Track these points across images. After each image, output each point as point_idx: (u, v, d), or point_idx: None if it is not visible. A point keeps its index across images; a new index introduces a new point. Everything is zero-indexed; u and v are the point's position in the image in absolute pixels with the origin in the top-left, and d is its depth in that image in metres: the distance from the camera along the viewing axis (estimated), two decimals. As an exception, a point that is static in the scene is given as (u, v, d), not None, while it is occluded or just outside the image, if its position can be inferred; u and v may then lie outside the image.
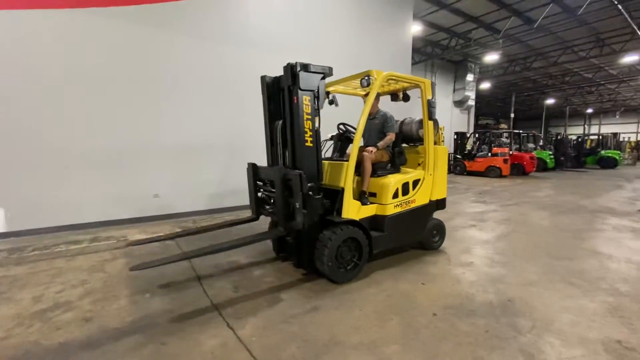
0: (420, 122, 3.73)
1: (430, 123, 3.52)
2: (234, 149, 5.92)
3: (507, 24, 13.05)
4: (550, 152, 15.39)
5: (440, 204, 3.73)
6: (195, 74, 5.45)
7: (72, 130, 4.53)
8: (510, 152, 12.67)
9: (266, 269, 3.19)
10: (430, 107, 3.45)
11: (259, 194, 3.34)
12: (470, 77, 18.62)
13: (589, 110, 34.63)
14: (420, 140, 3.78)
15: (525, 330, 2.13)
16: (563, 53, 16.68)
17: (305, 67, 2.67)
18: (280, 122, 2.96)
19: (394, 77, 3.21)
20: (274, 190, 2.94)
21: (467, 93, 18.77)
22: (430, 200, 3.60)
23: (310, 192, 2.81)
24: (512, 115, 23.20)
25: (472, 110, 20.48)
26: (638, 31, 12.67)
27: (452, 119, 18.79)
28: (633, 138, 30.30)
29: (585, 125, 35.04)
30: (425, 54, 16.19)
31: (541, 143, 17.32)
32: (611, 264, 3.36)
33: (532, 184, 10.36)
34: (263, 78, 3.10)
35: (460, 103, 19.31)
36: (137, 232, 4.55)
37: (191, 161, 5.53)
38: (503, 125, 30.10)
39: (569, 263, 3.39)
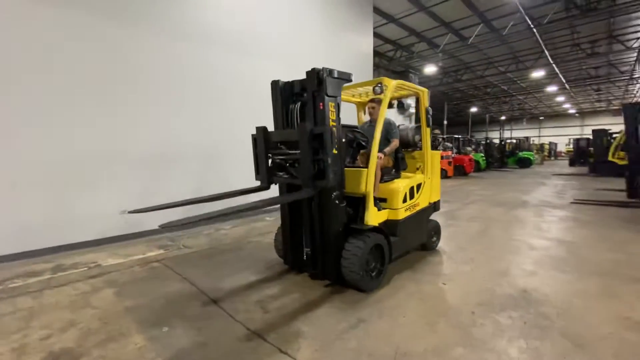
0: (416, 128, 3.91)
1: (428, 129, 3.71)
2: (209, 157, 5.51)
3: (445, 40, 14.43)
4: (482, 155, 17.30)
5: (436, 205, 3.94)
6: (165, 76, 4.96)
7: (14, 139, 3.75)
8: (453, 155, 13.98)
9: (284, 284, 3.00)
10: (428, 114, 3.64)
11: (271, 161, 3.12)
12: (411, 86, 20.03)
13: (503, 117, 39.91)
14: (415, 145, 3.95)
15: (554, 317, 2.34)
16: (487, 67, 18.98)
17: (331, 73, 2.61)
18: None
19: (401, 85, 3.32)
20: (292, 152, 2.80)
21: (409, 101, 20.16)
22: (429, 203, 3.77)
23: (337, 201, 2.74)
24: (445, 122, 25.65)
25: (413, 117, 22.08)
26: (545, 51, 15.00)
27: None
28: (536, 141, 35.57)
29: (501, 131, 40.31)
30: (373, 63, 17.04)
31: (473, 147, 19.43)
32: (578, 250, 3.89)
33: (475, 184, 11.52)
34: (275, 83, 2.95)
35: (402, 110, 20.67)
36: (106, 255, 3.94)
37: (162, 172, 4.99)
38: (437, 131, 32.95)
39: (548, 252, 3.84)
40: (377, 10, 11.91)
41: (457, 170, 13.99)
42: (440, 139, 14.93)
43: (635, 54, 17.78)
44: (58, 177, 4.06)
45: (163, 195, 4.97)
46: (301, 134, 2.60)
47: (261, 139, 2.99)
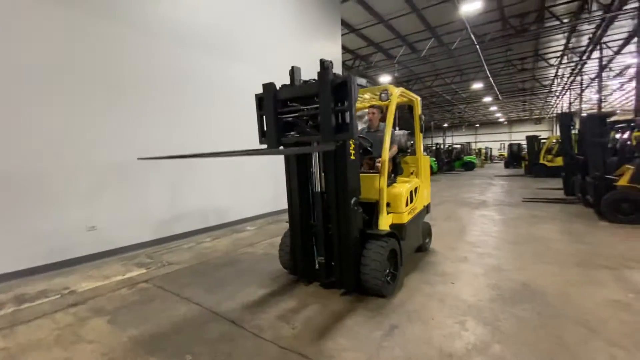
0: (409, 134, 4.06)
1: (420, 135, 3.88)
2: (183, 166, 5.13)
3: (400, 51, 15.28)
4: (434, 159, 18.54)
5: (428, 208, 4.12)
6: (137, 74, 4.53)
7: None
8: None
9: (299, 296, 2.89)
10: (421, 121, 3.81)
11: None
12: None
13: (446, 125, 43.31)
14: (407, 150, 4.10)
15: (560, 306, 2.57)
16: (435, 79, 20.49)
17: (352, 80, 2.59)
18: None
19: (403, 93, 3.43)
20: (307, 107, 2.68)
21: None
22: (423, 206, 3.93)
23: (355, 207, 2.73)
24: (397, 128, 27.05)
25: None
26: (485, 65, 16.64)
27: (355, 132, 20.63)
28: (474, 146, 39.19)
29: (444, 137, 43.65)
30: (332, 71, 17.41)
31: (426, 152, 20.81)
32: (547, 243, 4.34)
33: (434, 186, 12.19)
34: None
35: (359, 118, 21.35)
36: (78, 278, 3.44)
37: (133, 180, 4.52)
38: (389, 137, 34.64)
39: (525, 247, 4.22)
40: (340, 21, 12.24)
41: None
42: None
43: (554, 71, 20.61)
44: (29, 189, 3.47)
45: (136, 209, 4.53)
46: (323, 83, 2.46)
47: (270, 97, 2.78)
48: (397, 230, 3.28)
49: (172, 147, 4.85)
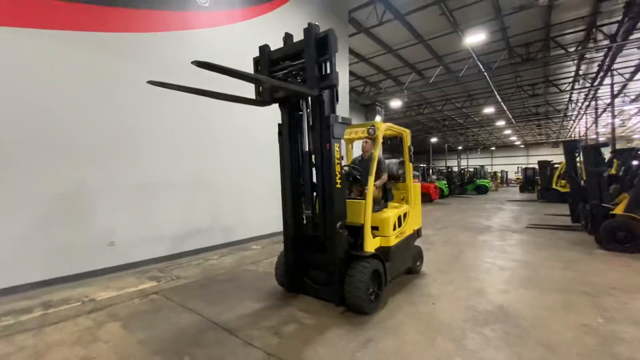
0: (399, 163, 4.39)
1: (410, 164, 4.20)
2: (194, 186, 5.60)
3: (409, 78, 15.82)
4: (445, 182, 18.59)
5: (419, 232, 4.37)
6: (149, 106, 5.08)
7: (4, 174, 3.69)
8: (420, 183, 14.93)
9: (290, 310, 3.18)
10: (410, 152, 4.15)
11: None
12: (378, 118, 21.36)
13: (460, 147, 43.10)
14: (399, 178, 4.42)
15: (527, 327, 2.76)
16: (445, 103, 20.84)
17: (337, 118, 3.00)
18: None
19: (389, 127, 3.80)
20: (296, 63, 3.11)
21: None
22: (414, 230, 4.19)
23: (341, 230, 3.05)
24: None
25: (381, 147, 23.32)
26: (494, 91, 16.91)
27: (366, 154, 21.02)
28: (490, 169, 38.73)
29: (458, 159, 43.37)
30: (344, 96, 18.12)
31: (435, 175, 20.84)
32: (536, 270, 4.47)
33: (442, 210, 12.37)
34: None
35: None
36: (97, 289, 3.85)
37: (148, 202, 4.99)
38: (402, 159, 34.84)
39: (514, 273, 4.37)
40: (350, 51, 12.93)
41: (424, 197, 14.88)
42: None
43: (568, 96, 20.62)
44: (40, 209, 3.98)
45: (150, 227, 4.98)
46: (308, 37, 2.94)
47: (264, 58, 3.26)
48: (384, 252, 3.57)
49: (182, 172, 5.36)
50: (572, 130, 32.81)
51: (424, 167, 16.67)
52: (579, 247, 5.81)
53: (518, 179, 35.14)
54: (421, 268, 4.43)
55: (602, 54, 13.66)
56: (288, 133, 3.38)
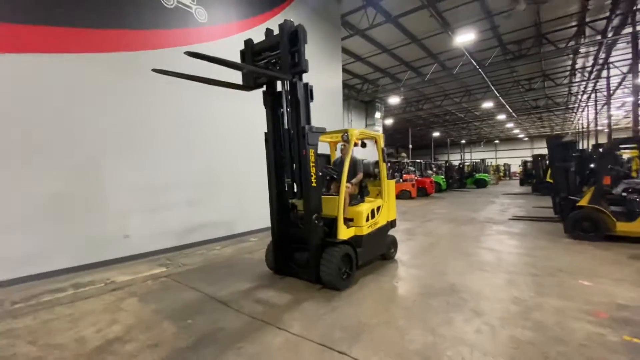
0: (376, 163, 4.98)
1: (384, 164, 4.79)
2: (199, 185, 6.26)
3: (405, 76, 16.24)
4: (443, 177, 19.02)
5: (393, 223, 4.96)
6: (163, 117, 5.75)
7: (41, 178, 4.38)
8: (416, 178, 15.44)
9: (276, 288, 3.82)
10: (383, 153, 4.73)
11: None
12: (378, 114, 21.81)
13: (463, 141, 43.16)
14: (375, 176, 5.00)
15: (468, 299, 3.36)
16: (444, 99, 21.18)
17: (311, 129, 3.60)
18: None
19: (362, 133, 4.39)
20: (274, 53, 3.72)
21: (377, 128, 21.86)
22: (387, 221, 4.79)
23: (316, 221, 3.67)
24: (410, 146, 27.68)
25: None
26: (491, 86, 17.23)
27: (366, 150, 21.50)
28: (493, 162, 38.84)
29: (461, 153, 43.46)
30: (344, 94, 18.52)
31: (434, 169, 21.26)
32: (501, 255, 5.04)
33: (435, 203, 12.89)
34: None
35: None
36: (116, 274, 4.54)
37: (158, 199, 5.67)
38: (403, 154, 35.24)
39: (478, 258, 4.95)
40: (347, 51, 13.45)
41: (420, 192, 15.41)
42: (405, 163, 16.38)
43: (567, 89, 20.76)
44: (81, 205, 4.68)
45: (160, 222, 5.67)
46: (282, 32, 3.56)
47: (249, 49, 3.90)
48: (358, 240, 4.18)
49: (188, 171, 6.03)
50: (575, 122, 32.75)
51: (420, 162, 17.13)
52: (549, 236, 6.33)
53: (520, 172, 35.26)
54: (395, 255, 5.03)
55: (595, 48, 13.91)
56: (271, 114, 3.97)
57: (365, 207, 4.32)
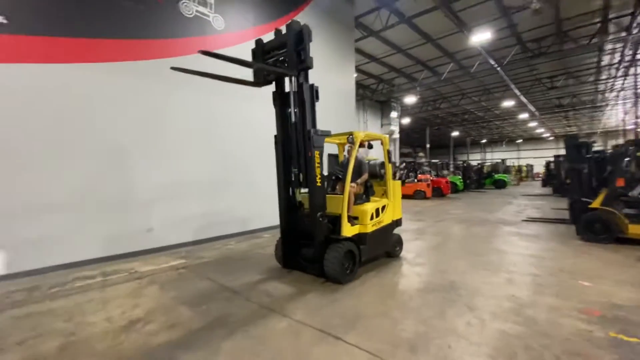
0: (382, 164, 5.16)
1: (389, 165, 4.96)
2: (215, 185, 6.64)
3: (421, 75, 16.17)
4: (460, 177, 18.79)
5: (398, 222, 5.13)
6: (183, 119, 6.15)
7: (74, 176, 4.85)
8: (431, 178, 15.37)
9: (283, 280, 4.10)
10: (389, 154, 4.91)
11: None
12: (394, 114, 21.78)
13: (484, 141, 42.12)
14: (381, 176, 5.19)
15: (464, 295, 3.51)
16: (462, 98, 20.87)
17: (316, 132, 3.85)
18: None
19: (366, 135, 4.59)
20: (282, 51, 4.01)
21: (392, 127, 21.85)
22: (392, 220, 4.96)
23: (321, 219, 3.92)
24: (428, 145, 27.38)
25: (397, 142, 23.70)
26: (511, 84, 16.87)
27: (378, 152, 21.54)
28: (516, 163, 37.71)
29: (482, 153, 42.45)
30: (359, 95, 18.69)
31: (452, 169, 20.99)
32: (506, 256, 5.11)
33: (450, 204, 12.84)
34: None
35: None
36: (140, 264, 4.96)
37: (178, 197, 6.08)
38: (421, 154, 34.85)
39: (482, 258, 5.04)
40: (361, 52, 13.60)
41: (435, 192, 15.33)
42: (420, 163, 16.32)
43: (594, 87, 19.98)
44: (109, 201, 5.14)
45: (179, 218, 6.07)
46: (289, 31, 3.83)
47: (259, 49, 4.21)
48: (362, 237, 4.39)
49: (210, 171, 6.42)
50: (604, 121, 31.37)
51: (436, 162, 17.03)
52: (560, 238, 6.30)
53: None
54: (400, 253, 5.19)
55: (621, 45, 13.40)
56: (280, 113, 4.25)
57: (369, 206, 4.52)
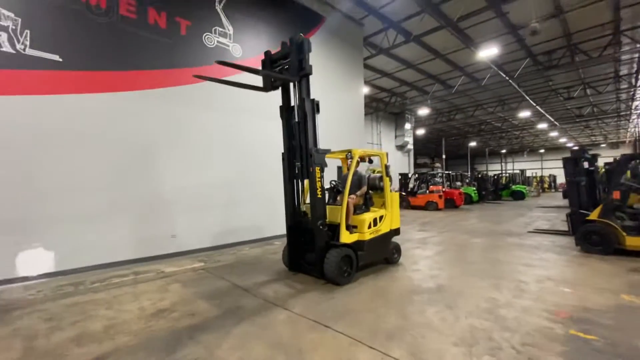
0: (381, 177, 5.64)
1: (387, 178, 5.44)
2: (232, 197, 7.31)
3: (433, 88, 16.54)
4: (475, 188, 18.75)
5: (396, 231, 5.56)
6: (207, 138, 6.89)
7: (112, 188, 5.63)
8: (443, 189, 15.54)
9: (288, 281, 4.63)
10: (387, 169, 5.40)
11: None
12: (408, 125, 22.12)
13: (503, 151, 41.36)
14: (381, 189, 5.66)
15: (447, 297, 3.90)
16: (476, 109, 20.96)
17: (317, 150, 4.41)
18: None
19: (364, 152, 5.11)
20: (286, 61, 4.66)
21: (407, 139, 22.16)
22: (390, 229, 5.41)
23: (321, 227, 4.44)
24: (444, 156, 27.36)
25: (411, 153, 23.96)
26: (525, 96, 16.92)
27: (395, 161, 21.86)
28: (539, 173, 36.76)
29: (502, 163, 41.61)
30: (372, 107, 19.25)
31: (467, 180, 20.91)
32: (499, 265, 5.41)
33: (461, 216, 12.99)
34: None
35: (401, 147, 22.61)
36: (165, 266, 5.63)
37: (199, 206, 6.78)
38: (437, 165, 34.69)
39: (475, 265, 5.37)
40: (372, 69, 14.20)
41: (448, 203, 15.46)
42: (432, 175, 16.50)
43: (614, 96, 19.59)
44: (141, 209, 5.89)
45: (200, 225, 6.75)
46: (292, 43, 4.46)
47: (267, 59, 4.85)
48: (360, 244, 4.86)
49: (227, 184, 7.10)
50: (631, 130, 30.28)
51: (449, 173, 17.17)
52: (559, 249, 6.49)
53: (568, 183, 32.96)
54: (398, 260, 5.60)
55: (636, 55, 13.31)
56: (286, 110, 4.88)
57: (368, 216, 5.00)
